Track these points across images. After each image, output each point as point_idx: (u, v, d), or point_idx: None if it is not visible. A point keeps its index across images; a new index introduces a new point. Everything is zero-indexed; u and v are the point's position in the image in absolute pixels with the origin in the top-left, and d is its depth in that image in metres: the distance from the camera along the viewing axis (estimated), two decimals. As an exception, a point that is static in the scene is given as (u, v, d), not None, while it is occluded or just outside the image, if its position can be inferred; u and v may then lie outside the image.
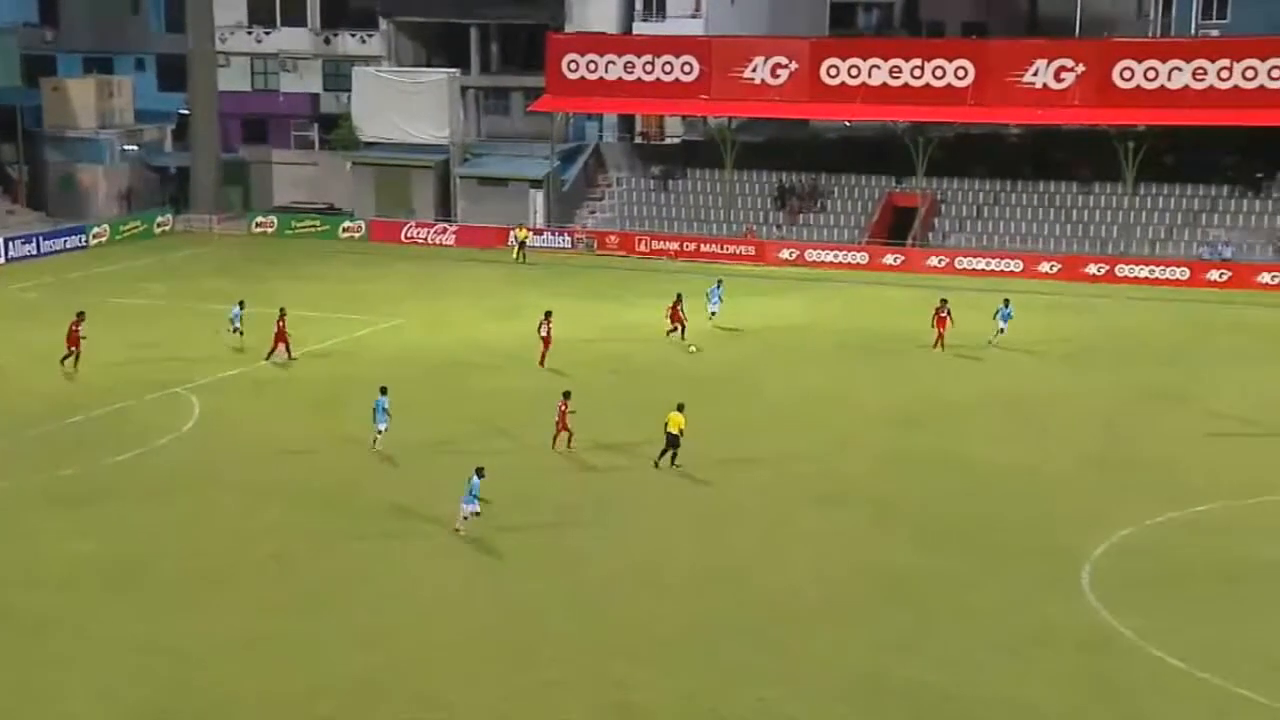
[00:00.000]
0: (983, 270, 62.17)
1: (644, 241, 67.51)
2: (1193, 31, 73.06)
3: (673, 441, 33.21)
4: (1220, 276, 60.14)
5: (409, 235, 70.17)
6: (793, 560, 28.20)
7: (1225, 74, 61.98)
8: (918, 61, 66.26)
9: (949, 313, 46.59)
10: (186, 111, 76.54)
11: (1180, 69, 62.47)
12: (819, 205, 69.18)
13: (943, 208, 67.81)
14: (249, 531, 29.71)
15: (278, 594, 26.44)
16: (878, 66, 66.71)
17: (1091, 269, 61.59)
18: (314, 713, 22.05)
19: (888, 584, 26.97)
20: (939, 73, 66.02)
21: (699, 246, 66.42)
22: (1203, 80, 62.13)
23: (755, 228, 67.89)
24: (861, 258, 64.76)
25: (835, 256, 65.04)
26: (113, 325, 47.15)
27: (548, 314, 44.24)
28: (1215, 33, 71.09)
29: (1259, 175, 64.57)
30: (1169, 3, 74.62)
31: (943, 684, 22.79)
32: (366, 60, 77.72)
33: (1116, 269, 61.42)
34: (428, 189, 72.67)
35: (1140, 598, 26.12)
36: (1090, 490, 32.72)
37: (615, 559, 28.22)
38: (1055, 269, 61.88)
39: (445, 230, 70.14)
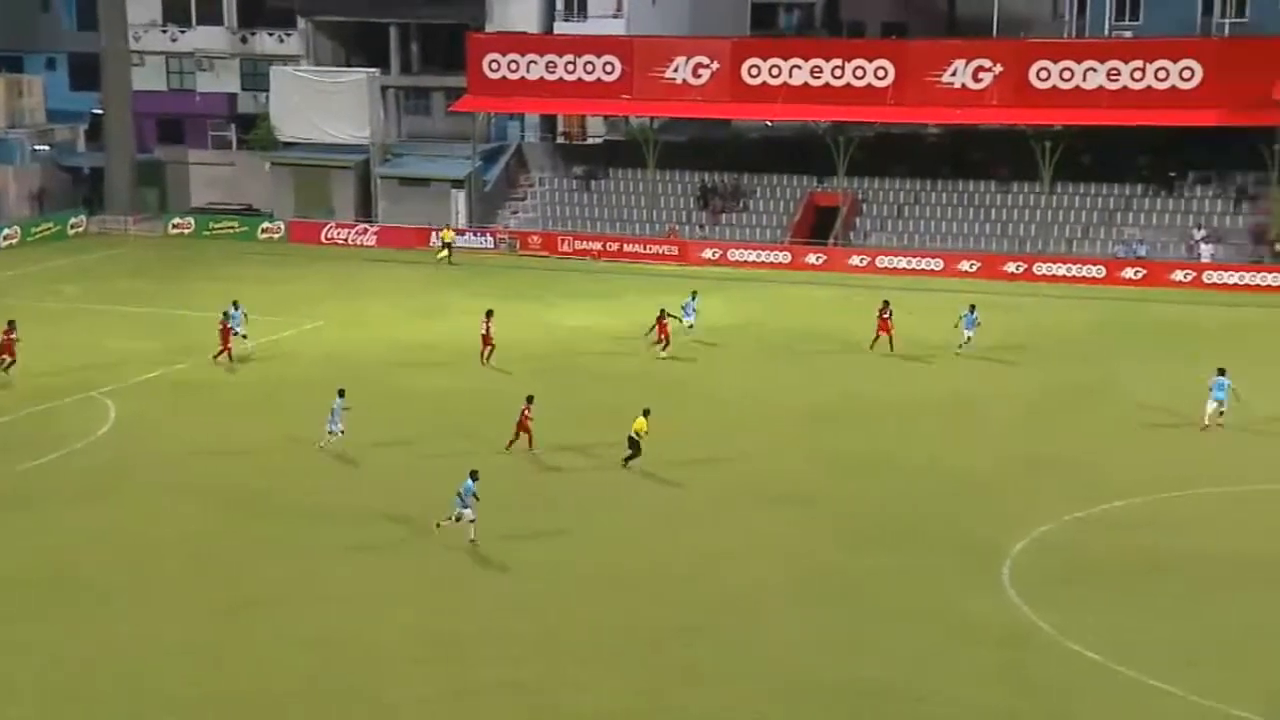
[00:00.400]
0: (903, 269, 62.66)
1: (567, 241, 67.34)
2: (1106, 32, 74.01)
3: (631, 444, 33.43)
4: (1136, 274, 61.02)
5: (329, 236, 69.51)
6: (727, 561, 28.24)
7: (1138, 75, 62.92)
8: (838, 62, 66.65)
9: (890, 314, 46.78)
10: (100, 111, 75.30)
11: (1095, 69, 63.36)
12: (741, 205, 69.39)
13: (864, 207, 68.26)
14: (173, 536, 29.33)
15: (212, 598, 26.08)
16: (799, 66, 67.03)
17: (1010, 267, 62.26)
18: (250, 716, 21.76)
19: (818, 583, 27.09)
20: (859, 73, 66.47)
21: (622, 246, 66.36)
22: (1116, 81, 63.05)
23: (678, 228, 67.96)
24: (784, 257, 65.03)
25: (758, 256, 65.26)
26: (26, 328, 46.20)
27: (489, 313, 44.25)
28: (1128, 34, 72.03)
29: (1172, 174, 65.56)
30: (1083, 4, 75.50)
31: (874, 680, 22.92)
32: (284, 60, 76.82)
33: (1035, 267, 62.12)
34: (348, 189, 72.04)
35: (1060, 593, 26.41)
36: (1011, 487, 33.05)
37: (559, 560, 28.11)
38: (975, 268, 62.49)
39: (366, 231, 69.57)
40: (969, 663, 23.59)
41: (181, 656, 23.76)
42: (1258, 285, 58.99)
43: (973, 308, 46.75)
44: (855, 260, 63.90)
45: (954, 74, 65.30)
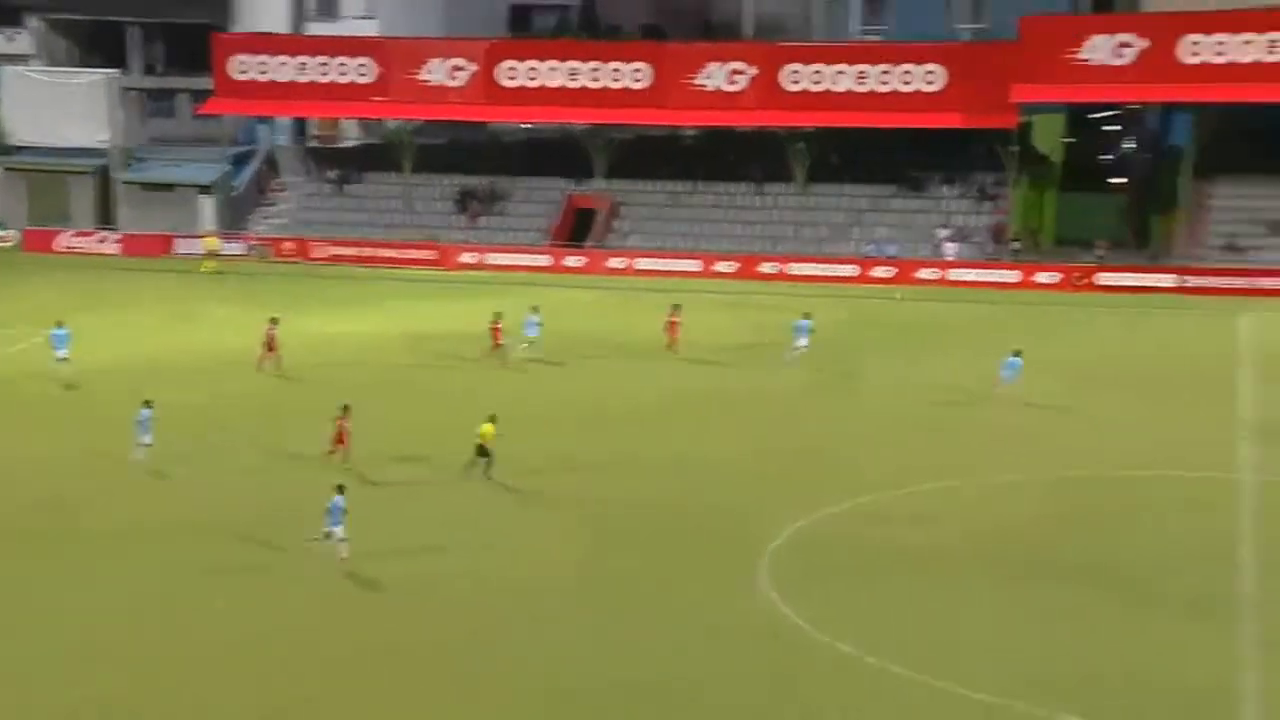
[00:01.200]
0: (663, 271, 62.94)
1: (321, 247, 65.69)
2: (855, 36, 75.85)
3: (481, 452, 32.51)
4: (886, 273, 62.58)
5: (67, 245, 66.43)
6: (487, 565, 27.60)
7: (886, 78, 64.63)
8: (595, 64, 66.77)
9: (679, 317, 46.69)
10: None
11: (844, 72, 64.86)
12: (500, 208, 68.79)
13: (623, 209, 68.43)
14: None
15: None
16: (555, 68, 66.92)
17: (766, 268, 63.15)
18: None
19: (581, 584, 26.70)
20: (616, 75, 66.66)
21: (378, 251, 65.05)
22: (865, 83, 64.65)
23: (437, 235, 66.86)
24: (544, 260, 64.69)
25: (518, 259, 64.77)
26: None
27: (273, 320, 43.05)
28: (876, 38, 73.95)
29: (918, 175, 67.52)
30: (833, 8, 77.24)
31: (636, 682, 22.57)
32: (14, 59, 73.08)
33: (789, 268, 63.14)
34: (86, 196, 69.00)
35: (816, 588, 26.54)
36: (768, 484, 33.20)
37: (322, 574, 26.91)
38: (733, 269, 63.21)
39: (107, 239, 66.62)
40: (727, 660, 23.48)
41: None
42: (998, 282, 61.10)
43: (806, 315, 45.65)
44: (615, 262, 63.98)
45: (710, 76, 66.05)
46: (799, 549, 28.76)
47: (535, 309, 46.07)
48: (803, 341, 44.67)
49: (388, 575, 27.03)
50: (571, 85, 66.65)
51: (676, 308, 46.99)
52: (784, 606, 25.55)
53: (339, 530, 26.89)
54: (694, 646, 24.04)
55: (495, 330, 44.72)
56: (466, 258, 64.68)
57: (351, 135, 76.42)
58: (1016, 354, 39.58)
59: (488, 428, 32.62)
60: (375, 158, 71.48)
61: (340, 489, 27.28)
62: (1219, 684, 22.17)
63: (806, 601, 25.70)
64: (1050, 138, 68.54)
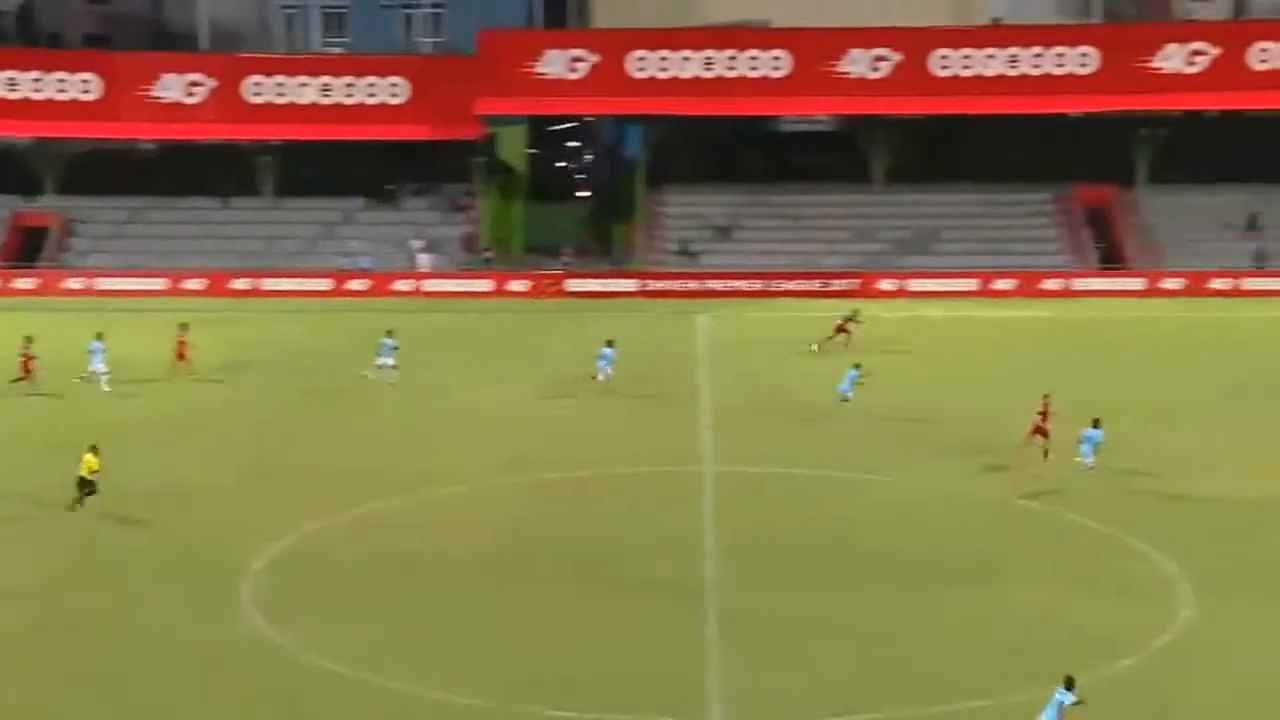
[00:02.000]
0: (126, 290, 59.96)
1: None
2: (317, 48, 75.22)
3: (84, 484, 30.14)
4: (362, 286, 62.34)
5: None
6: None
7: (350, 90, 64.53)
8: (37, 73, 62.98)
9: (188, 337, 44.58)
10: None
11: (308, 84, 64.28)
12: (-64, 229, 63.33)
13: (79, 227, 64.65)
14: None
15: None
16: (-8, 78, 62.43)
17: (237, 284, 61.43)
18: None
19: (67, 618, 25.02)
20: (62, 86, 63.06)
21: None
22: (330, 96, 64.34)
23: None
24: (-9, 283, 60.12)
25: (-40, 283, 59.85)
26: None
27: None
28: (339, 50, 73.66)
29: (390, 187, 67.80)
30: (292, 19, 76.25)
31: (104, 714, 21.39)
32: None
33: (262, 283, 61.69)
34: None
35: (301, 607, 26.01)
36: (249, 503, 32.28)
37: None
38: (202, 285, 61.08)
39: None
40: (211, 688, 22.59)
41: None
42: (472, 291, 62.30)
43: (390, 333, 44.15)
44: (73, 283, 60.42)
45: (166, 88, 63.69)
46: (287, 567, 28.14)
47: (100, 335, 43.02)
48: (388, 359, 43.72)
49: None
50: (11, 96, 62.49)
51: (184, 327, 45.28)
52: (267, 628, 24.90)
53: None
54: (173, 676, 23.02)
55: (26, 358, 41.66)
56: (-105, 284, 59.09)
57: None
58: (609, 344, 42.02)
59: (90, 458, 30.39)
60: None
61: None
62: (690, 665, 23.49)
63: (294, 621, 25.15)
64: (515, 149, 70.71)
